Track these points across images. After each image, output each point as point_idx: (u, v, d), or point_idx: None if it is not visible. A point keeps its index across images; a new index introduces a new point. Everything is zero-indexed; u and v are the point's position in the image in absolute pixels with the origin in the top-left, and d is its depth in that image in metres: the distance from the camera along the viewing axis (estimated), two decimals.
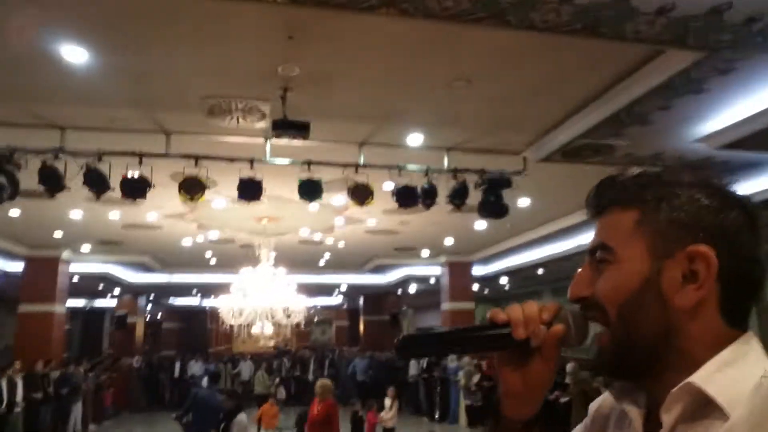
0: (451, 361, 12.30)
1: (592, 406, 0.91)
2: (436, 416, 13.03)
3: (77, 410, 10.93)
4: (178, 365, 15.72)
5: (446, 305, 13.34)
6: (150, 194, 5.68)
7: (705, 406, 0.66)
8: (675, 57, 3.80)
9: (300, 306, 9.38)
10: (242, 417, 5.80)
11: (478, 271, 14.09)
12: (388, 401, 8.91)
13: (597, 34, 3.39)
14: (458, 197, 5.94)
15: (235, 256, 12.46)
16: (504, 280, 16.40)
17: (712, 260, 0.68)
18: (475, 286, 16.94)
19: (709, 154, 5.52)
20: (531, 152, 5.94)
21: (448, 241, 11.77)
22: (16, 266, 11.16)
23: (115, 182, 5.34)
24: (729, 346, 0.69)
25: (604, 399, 0.88)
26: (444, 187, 5.99)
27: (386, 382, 14.08)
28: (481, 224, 10.00)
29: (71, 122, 5.31)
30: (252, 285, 8.86)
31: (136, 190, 5.30)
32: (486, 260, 13.64)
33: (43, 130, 5.34)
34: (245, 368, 16.26)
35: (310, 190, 5.47)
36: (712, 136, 4.91)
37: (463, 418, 11.99)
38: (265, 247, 9.40)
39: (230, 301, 8.91)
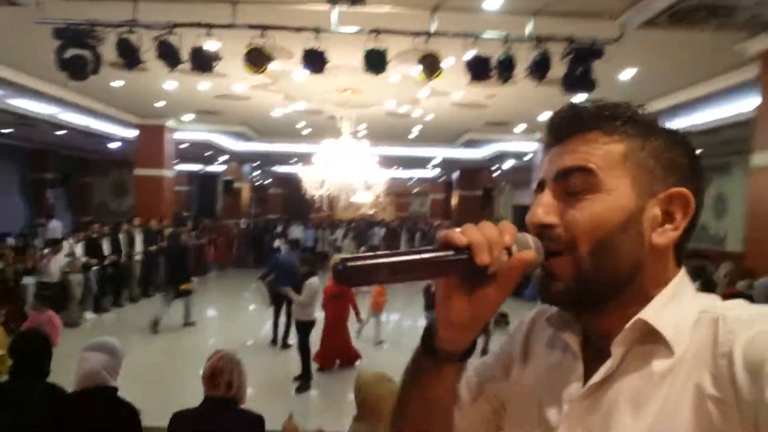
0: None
1: (513, 329, 0.91)
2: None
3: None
4: (280, 229, 16.95)
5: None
6: (232, 65, 5.71)
7: (651, 338, 0.68)
8: None
9: (380, 179, 9.45)
10: (314, 280, 6.18)
11: None
12: None
13: None
14: (539, 69, 5.39)
15: (325, 127, 12.64)
16: None
17: (691, 203, 0.70)
18: None
19: None
20: (630, 16, 5.11)
21: (545, 116, 11.01)
22: (132, 133, 12.18)
23: (186, 55, 5.41)
24: (672, 281, 0.72)
25: (531, 321, 0.88)
26: (525, 59, 5.43)
27: None
28: (579, 98, 9.16)
29: None
30: (333, 156, 9.00)
31: (204, 62, 5.34)
32: None
33: (117, 2, 5.40)
34: (341, 235, 17.25)
35: (374, 61, 5.21)
36: None
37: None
38: (347, 119, 9.36)
39: (312, 172, 9.17)
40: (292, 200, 26.07)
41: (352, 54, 6.07)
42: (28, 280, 8.11)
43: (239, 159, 17.78)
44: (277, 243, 14.37)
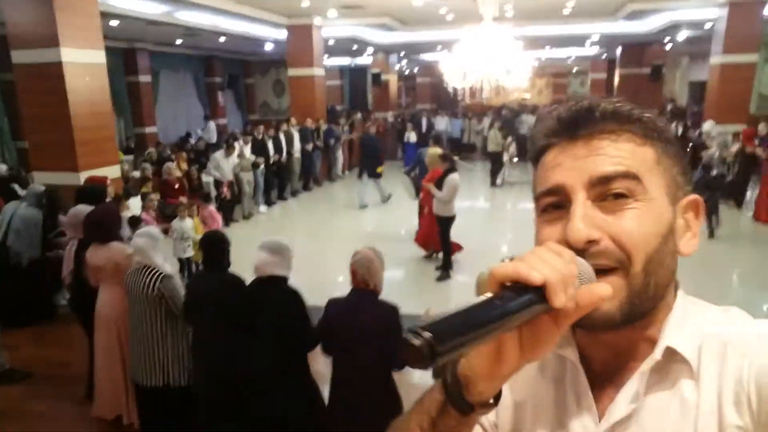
0: (706, 128, 10.61)
1: None
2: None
3: (339, 157, 13.30)
4: (424, 121, 17.00)
5: (718, 58, 11.06)
6: None
7: (668, 363, 0.65)
8: None
9: (524, 63, 8.90)
10: (454, 176, 6.29)
11: None
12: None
13: None
14: None
15: (470, 11, 11.96)
16: None
17: (702, 210, 0.69)
18: None
19: None
20: None
21: None
22: (285, 34, 12.74)
23: None
24: (678, 298, 0.69)
25: None
26: None
27: None
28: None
29: None
30: (474, 44, 8.62)
31: None
32: None
33: None
34: (487, 124, 16.82)
35: None
36: None
37: None
38: (489, 2, 8.78)
39: (452, 62, 8.93)
40: (440, 89, 25.66)
41: None
42: (207, 178, 9.33)
43: (385, 50, 17.76)
44: (407, 136, 14.60)
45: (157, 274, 3.26)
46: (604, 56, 22.92)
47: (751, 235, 8.35)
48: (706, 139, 10.29)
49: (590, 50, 21.04)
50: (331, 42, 14.40)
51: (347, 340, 2.80)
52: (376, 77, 18.27)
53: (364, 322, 2.77)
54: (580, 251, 0.61)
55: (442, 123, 17.05)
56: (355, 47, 16.57)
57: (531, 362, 0.60)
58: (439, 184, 6.35)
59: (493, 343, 0.58)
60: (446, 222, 6.44)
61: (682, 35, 14.94)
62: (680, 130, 12.20)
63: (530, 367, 0.68)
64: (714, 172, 8.20)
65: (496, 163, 12.61)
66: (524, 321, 0.55)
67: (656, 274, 0.64)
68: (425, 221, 7.20)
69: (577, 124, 0.68)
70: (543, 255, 0.56)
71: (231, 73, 19.31)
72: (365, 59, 20.09)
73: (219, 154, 9.36)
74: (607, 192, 0.64)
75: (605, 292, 0.58)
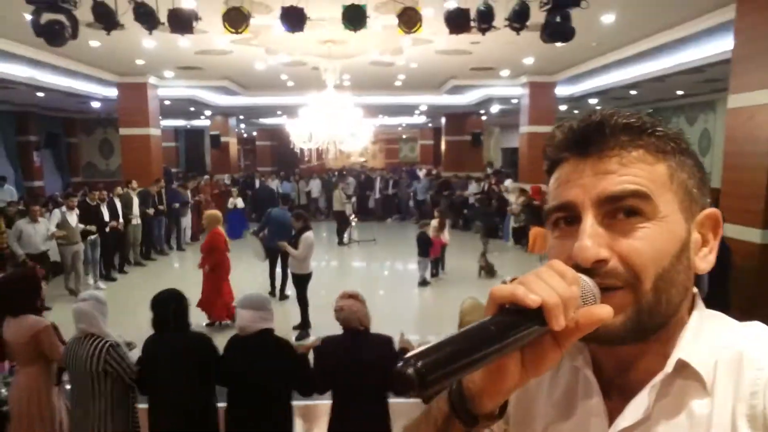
0: (506, 186, 12.69)
1: None
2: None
3: (186, 222, 12.48)
4: (258, 183, 17.07)
5: (525, 128, 12.92)
6: (211, 21, 5.64)
7: (681, 376, 0.64)
8: None
9: (366, 128, 9.50)
10: (309, 235, 6.38)
11: (563, 91, 13.22)
12: (435, 221, 9.19)
13: None
14: (518, 19, 5.40)
15: (310, 79, 12.50)
16: (593, 101, 15.35)
17: (721, 223, 0.67)
18: (562, 108, 16.15)
19: None
20: None
21: (528, 61, 10.97)
22: (115, 92, 12.00)
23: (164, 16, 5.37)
24: (693, 311, 0.68)
25: None
26: (503, 9, 5.43)
27: (445, 202, 14.93)
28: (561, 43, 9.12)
29: None
30: (319, 109, 9.01)
31: (183, 23, 5.30)
32: (573, 80, 12.69)
33: None
34: (315, 187, 17.29)
35: (353, 16, 5.19)
36: None
37: (509, 237, 12.71)
38: (331, 71, 9.31)
39: (297, 125, 9.20)
40: (281, 152, 25.99)
41: (333, 5, 6.04)
42: (18, 248, 7.58)
43: (225, 113, 17.61)
44: (232, 202, 13.27)
45: (104, 343, 2.93)
46: (430, 125, 25.28)
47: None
48: (505, 194, 12.72)
49: (419, 119, 23.10)
50: (167, 102, 13.91)
51: (348, 376, 2.93)
52: (215, 139, 17.93)
53: (365, 359, 2.92)
54: (588, 269, 0.61)
55: (273, 185, 17.16)
56: (192, 109, 16.18)
57: (534, 378, 0.60)
58: (293, 243, 6.37)
59: (495, 362, 0.56)
60: (303, 280, 6.44)
61: (494, 108, 17.17)
62: (487, 186, 14.35)
63: (544, 379, 0.72)
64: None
65: (341, 222, 12.96)
66: (522, 345, 0.55)
67: (668, 292, 0.63)
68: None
69: (588, 140, 0.66)
70: (544, 276, 0.56)
71: (50, 132, 17.49)
72: (203, 121, 19.67)
73: (23, 222, 7.82)
74: (617, 210, 0.63)
75: (606, 315, 0.57)
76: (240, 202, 13.53)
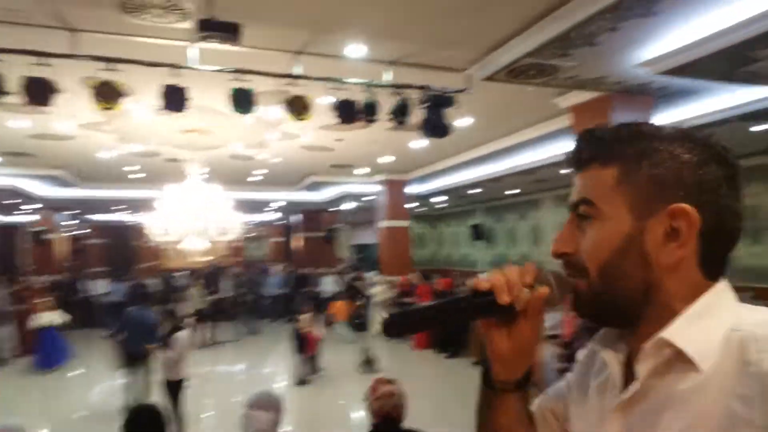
0: (370, 279, 13.03)
1: (579, 354, 0.92)
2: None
3: (3, 332, 10.34)
4: (85, 284, 15.30)
5: (383, 223, 13.41)
6: (59, 101, 5.06)
7: (677, 358, 0.68)
8: None
9: (236, 223, 9.07)
10: (183, 334, 5.67)
11: (413, 189, 14.14)
12: (305, 316, 8.94)
13: None
14: (400, 114, 5.71)
15: (161, 171, 11.79)
16: (439, 199, 16.63)
17: (694, 218, 0.69)
18: (412, 204, 17.17)
19: (649, 80, 5.52)
20: (475, 70, 5.72)
21: (385, 160, 11.62)
22: None
23: (14, 86, 4.70)
24: (701, 297, 0.71)
25: (589, 347, 0.88)
26: (383, 104, 5.73)
27: (301, 298, 14.74)
28: (419, 143, 9.86)
29: None
30: (182, 201, 8.42)
31: (41, 95, 4.69)
32: (422, 179, 13.69)
33: None
34: (152, 287, 15.87)
35: (243, 101, 5.06)
36: (655, 61, 4.87)
37: (375, 328, 12.67)
38: (194, 162, 8.87)
39: (158, 219, 8.46)
40: (115, 251, 23.56)
41: (203, 92, 5.85)
42: None
43: (52, 206, 15.66)
44: (44, 317, 9.89)
45: None
46: (280, 222, 25.11)
47: (415, 359, 10.26)
48: (370, 285, 12.99)
49: (269, 216, 22.84)
50: None
51: None
52: (39, 236, 15.73)
53: None
54: (564, 263, 0.78)
55: (100, 287, 15.39)
56: (12, 201, 14.13)
57: (525, 352, 0.81)
58: (166, 345, 5.60)
59: (490, 335, 0.81)
60: (176, 386, 5.60)
61: (348, 205, 17.69)
62: (348, 281, 14.46)
63: (583, 366, 0.88)
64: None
65: (201, 321, 11.89)
66: (479, 315, 0.80)
67: (618, 280, 0.72)
68: None
69: (574, 161, 0.80)
70: (505, 269, 0.77)
71: None
72: (21, 216, 17.23)
73: None
74: (578, 215, 0.77)
75: (542, 293, 0.76)
76: (57, 317, 10.00)
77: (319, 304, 11.36)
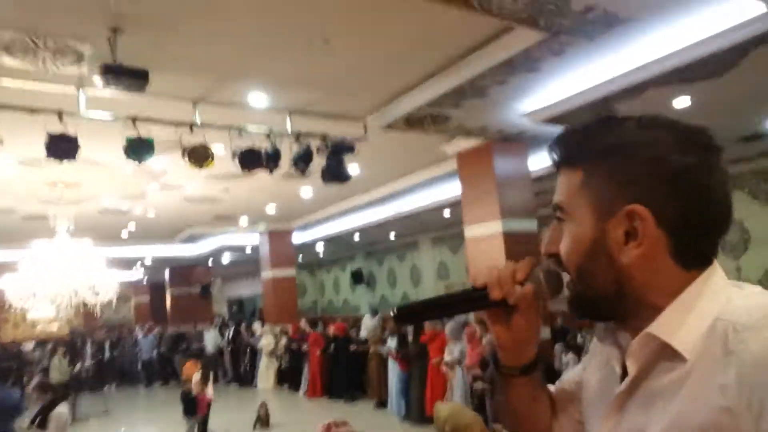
0: (257, 330, 12.66)
1: (592, 344, 0.95)
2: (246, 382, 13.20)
3: None
4: None
5: (268, 273, 13.07)
6: None
7: (665, 351, 0.70)
8: (521, 36, 4.13)
9: (111, 281, 8.29)
10: (61, 409, 4.98)
11: (295, 238, 14.00)
12: (197, 375, 8.40)
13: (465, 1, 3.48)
14: (302, 162, 5.77)
15: (15, 230, 10.49)
16: (320, 247, 16.64)
17: (646, 218, 0.70)
18: None
19: (525, 128, 6.20)
20: (374, 119, 6.00)
21: (271, 209, 11.45)
22: None
23: None
24: (686, 289, 0.71)
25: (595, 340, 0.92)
26: (284, 151, 5.75)
27: (181, 357, 13.81)
28: (307, 191, 9.90)
29: None
30: (47, 261, 7.55)
31: None
32: (304, 227, 13.64)
33: None
34: None
35: (139, 149, 4.78)
36: (537, 112, 5.51)
37: (265, 380, 12.47)
38: (61, 217, 8.04)
39: (18, 281, 7.47)
40: None
41: (84, 140, 5.42)
42: None
43: None
44: None
45: None
46: (145, 280, 23.23)
47: (311, 409, 10.16)
48: (257, 336, 12.67)
49: (134, 275, 21.03)
50: None
51: None
52: None
53: None
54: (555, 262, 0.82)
55: None
56: None
57: (525, 341, 0.89)
58: (40, 423, 4.89)
59: (492, 327, 0.88)
60: None
61: (226, 258, 16.98)
62: (230, 336, 13.90)
63: (601, 359, 0.88)
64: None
65: (63, 396, 10.41)
66: (475, 307, 0.92)
67: (590, 280, 0.75)
68: None
69: (554, 167, 0.82)
70: (500, 267, 0.84)
71: None
72: None
73: None
74: (556, 217, 0.80)
75: (526, 290, 0.82)
76: None
77: (206, 363, 10.64)
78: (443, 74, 4.93)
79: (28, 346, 15.64)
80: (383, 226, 12.65)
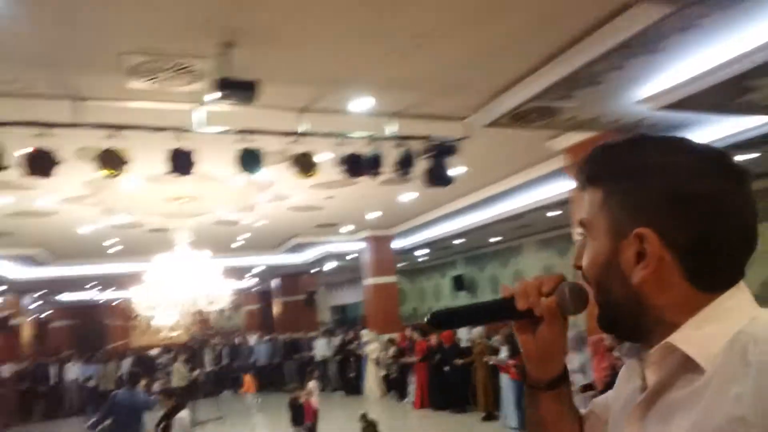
0: (364, 338, 12.72)
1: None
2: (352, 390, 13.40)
3: None
4: (54, 370, 14.41)
5: (369, 280, 13.20)
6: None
7: (684, 363, 0.71)
8: (642, 13, 3.78)
9: (225, 290, 8.74)
10: (183, 414, 5.26)
11: (395, 244, 14.04)
12: (314, 383, 8.61)
13: None
14: (404, 166, 5.71)
15: (142, 243, 11.41)
16: (420, 252, 16.58)
17: (652, 241, 0.72)
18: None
19: (643, 116, 5.71)
20: (477, 117, 5.81)
21: (372, 216, 11.56)
22: None
23: (12, 159, 4.49)
24: (708, 306, 0.72)
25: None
26: (386, 156, 5.72)
27: (293, 365, 14.24)
28: (407, 196, 9.89)
29: None
30: (169, 272, 8.09)
31: (42, 166, 4.49)
32: (405, 233, 13.64)
33: None
34: (126, 366, 15.08)
35: (250, 161, 4.96)
36: (656, 97, 5.04)
37: (372, 389, 12.56)
38: (181, 230, 8.61)
39: (144, 292, 8.07)
40: (83, 332, 22.38)
41: (201, 156, 5.71)
42: None
43: (19, 289, 14.85)
44: None
45: None
46: (256, 288, 24.47)
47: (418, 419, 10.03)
48: (363, 344, 12.63)
49: (245, 283, 22.23)
50: None
51: None
52: (3, 322, 14.81)
53: None
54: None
55: (73, 370, 14.55)
56: None
57: (550, 353, 0.89)
58: (164, 428, 5.17)
59: (520, 337, 0.90)
60: None
61: (329, 265, 17.41)
62: (337, 344, 14.16)
63: (625, 374, 0.89)
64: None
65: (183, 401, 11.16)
66: (502, 317, 0.93)
67: (607, 295, 0.78)
68: None
69: (579, 184, 0.83)
70: (531, 280, 0.87)
71: None
72: None
73: None
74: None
75: (551, 302, 0.84)
76: None
77: (314, 370, 10.92)
78: (551, 64, 4.64)
79: (154, 352, 16.92)
80: (485, 229, 12.33)
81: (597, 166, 0.80)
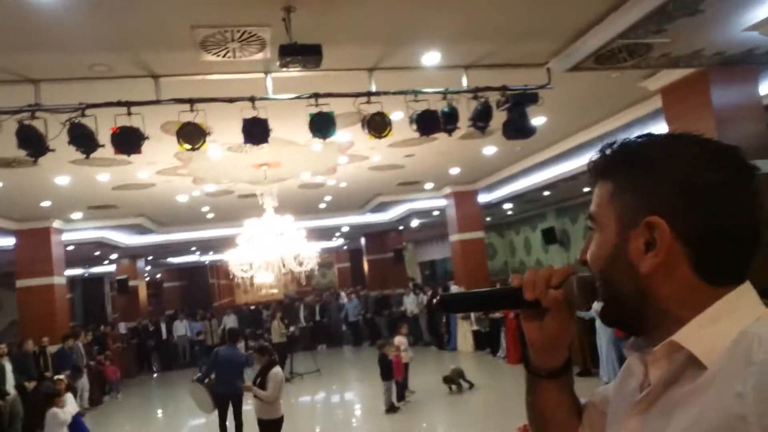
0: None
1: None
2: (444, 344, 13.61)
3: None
4: (164, 328, 15.75)
5: (455, 236, 13.06)
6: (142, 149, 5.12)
7: (687, 360, 0.71)
8: None
9: (311, 252, 9.01)
10: (278, 370, 5.53)
11: (481, 199, 13.72)
12: (400, 339, 8.76)
13: None
14: (482, 119, 5.45)
15: (234, 208, 11.99)
16: (507, 206, 16.13)
17: (663, 229, 0.72)
18: None
19: (755, 45, 5.03)
20: (557, 62, 5.40)
21: (454, 171, 11.33)
22: (7, 241, 10.65)
23: (102, 138, 4.79)
24: (714, 304, 0.72)
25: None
26: (462, 110, 5.49)
27: (384, 321, 14.56)
28: (489, 150, 9.56)
29: (44, 74, 4.67)
30: (259, 235, 8.44)
31: (130, 143, 4.74)
32: (489, 187, 13.28)
33: (14, 85, 4.70)
34: (229, 323, 16.11)
35: (322, 124, 4.94)
36: (766, 22, 4.41)
37: (464, 344, 12.64)
38: (267, 195, 8.91)
39: (238, 254, 8.50)
40: (190, 292, 24.29)
41: (275, 123, 5.77)
42: None
43: (133, 254, 16.28)
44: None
45: None
46: (345, 247, 25.18)
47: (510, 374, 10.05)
48: None
49: (335, 243, 22.91)
50: (69, 248, 12.58)
51: None
52: (123, 284, 16.35)
53: None
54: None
55: (180, 327, 15.85)
56: (97, 253, 14.78)
57: (556, 343, 0.91)
58: (260, 383, 5.47)
59: (525, 326, 0.93)
60: (274, 427, 5.45)
61: (414, 222, 17.45)
62: (425, 300, 14.33)
63: (626, 368, 0.88)
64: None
65: (282, 356, 11.86)
66: (509, 305, 1.00)
67: (612, 286, 0.78)
68: None
69: (591, 178, 0.84)
70: (540, 270, 0.88)
71: None
72: (103, 267, 18.06)
73: None
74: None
75: (555, 294, 0.86)
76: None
77: (402, 326, 11.12)
78: None
79: (253, 309, 17.98)
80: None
81: (608, 161, 0.80)
